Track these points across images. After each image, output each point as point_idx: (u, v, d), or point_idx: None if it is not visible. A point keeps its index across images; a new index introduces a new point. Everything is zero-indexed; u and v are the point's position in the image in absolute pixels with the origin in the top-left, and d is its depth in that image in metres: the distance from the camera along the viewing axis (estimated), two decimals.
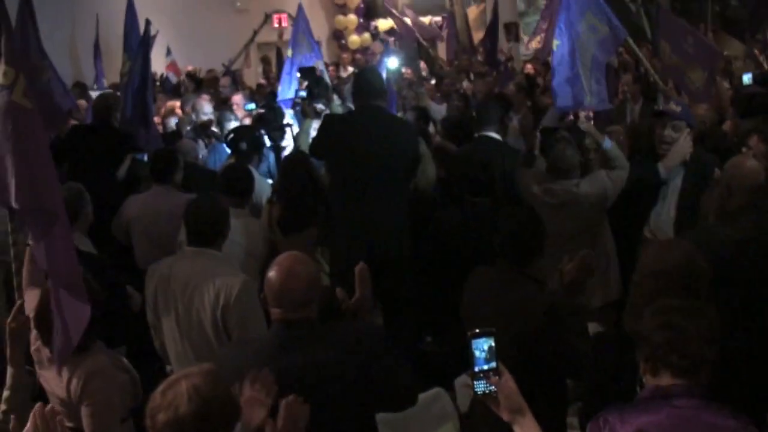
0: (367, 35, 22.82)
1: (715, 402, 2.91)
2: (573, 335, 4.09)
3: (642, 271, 3.81)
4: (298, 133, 8.32)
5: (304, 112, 8.46)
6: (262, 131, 8.48)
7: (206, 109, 9.86)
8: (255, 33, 19.57)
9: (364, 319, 4.02)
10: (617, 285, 6.36)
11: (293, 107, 9.51)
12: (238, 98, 11.47)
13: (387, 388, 3.64)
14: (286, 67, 11.62)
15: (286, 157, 7.63)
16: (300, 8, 12.10)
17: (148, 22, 8.36)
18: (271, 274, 3.61)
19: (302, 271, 3.60)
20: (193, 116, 9.94)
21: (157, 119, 10.32)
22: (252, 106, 10.01)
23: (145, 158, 8.38)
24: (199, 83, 15.65)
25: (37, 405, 3.07)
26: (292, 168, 6.75)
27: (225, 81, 15.59)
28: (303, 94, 8.48)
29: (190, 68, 17.54)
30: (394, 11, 18.76)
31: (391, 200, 6.26)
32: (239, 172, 6.49)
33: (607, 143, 6.53)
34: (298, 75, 9.33)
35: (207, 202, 5.03)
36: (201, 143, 9.15)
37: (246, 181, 6.37)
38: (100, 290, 4.23)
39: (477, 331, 2.88)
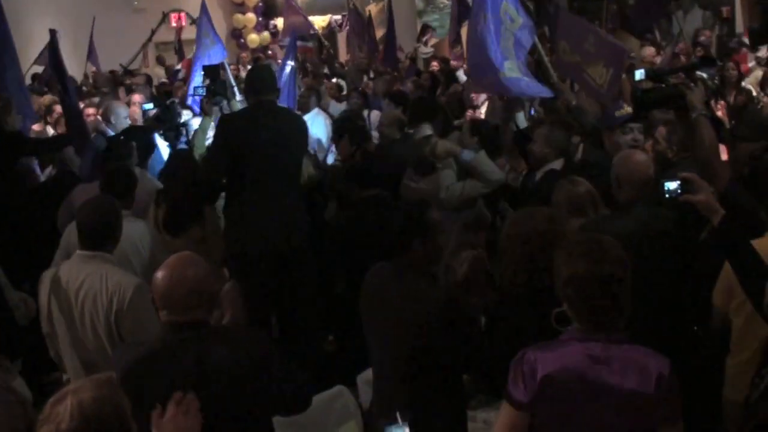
0: (266, 34, 22.70)
1: (630, 345, 3.24)
2: (466, 330, 4.14)
3: (509, 234, 4.14)
4: (195, 132, 8.25)
5: (203, 111, 8.40)
6: (158, 131, 8.40)
7: (122, 112, 9.68)
8: (153, 32, 19.35)
9: None
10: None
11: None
12: (138, 97, 11.35)
13: (277, 391, 3.63)
14: (194, 68, 11.60)
15: (170, 156, 7.53)
16: (203, 6, 12.05)
17: (53, 32, 8.16)
18: (158, 275, 3.57)
19: (190, 273, 3.55)
20: (112, 119, 9.76)
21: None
22: (149, 105, 9.86)
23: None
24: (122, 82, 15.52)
25: None
26: (174, 168, 6.65)
27: (140, 79, 15.43)
28: (202, 91, 8.43)
29: (93, 69, 17.27)
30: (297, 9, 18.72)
31: (288, 192, 6.36)
32: (119, 172, 6.14)
33: (466, 155, 6.42)
34: (202, 73, 9.27)
35: (97, 204, 4.92)
36: None
37: (126, 181, 6.02)
38: None
39: (396, 417, 2.87)
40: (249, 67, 17.12)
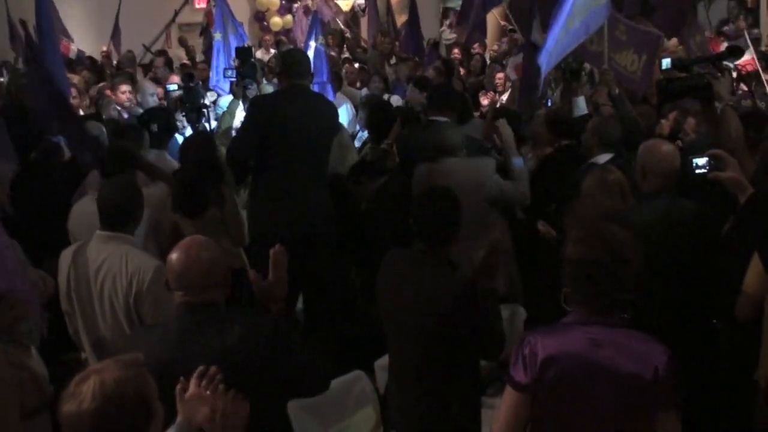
0: (289, 17, 22.58)
1: (629, 330, 3.29)
2: (488, 316, 4.14)
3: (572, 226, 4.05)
4: (223, 114, 8.28)
5: (233, 93, 8.44)
6: (182, 113, 8.45)
7: (151, 89, 9.73)
8: (176, 13, 19.33)
9: (277, 303, 4.00)
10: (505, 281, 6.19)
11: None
12: (177, 79, 11.42)
13: (292, 373, 3.63)
14: (215, 53, 11.62)
15: (186, 138, 7.53)
16: None
17: (23, 22, 8.19)
18: (173, 257, 3.60)
19: (204, 254, 3.58)
20: (138, 98, 9.79)
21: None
22: (174, 86, 9.91)
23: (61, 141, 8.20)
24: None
25: None
26: (189, 150, 6.64)
27: (159, 61, 15.49)
28: (231, 74, 8.47)
29: (104, 48, 17.30)
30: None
31: (316, 176, 6.39)
32: (118, 152, 6.21)
33: (518, 162, 6.39)
34: (233, 56, 9.32)
35: (117, 184, 4.93)
36: None
37: (123, 161, 6.04)
38: None
39: None
40: (272, 50, 17.16)
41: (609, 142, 6.25)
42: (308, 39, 11.94)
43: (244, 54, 8.55)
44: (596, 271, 3.23)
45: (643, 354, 3.22)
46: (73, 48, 16.23)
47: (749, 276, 4.35)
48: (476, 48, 15.63)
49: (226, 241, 5.77)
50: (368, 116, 7.95)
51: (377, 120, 7.63)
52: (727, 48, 9.33)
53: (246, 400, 3.20)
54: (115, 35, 17.08)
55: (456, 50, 15.36)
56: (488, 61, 14.42)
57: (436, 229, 4.30)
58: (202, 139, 6.99)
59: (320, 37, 11.66)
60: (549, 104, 9.09)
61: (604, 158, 6.13)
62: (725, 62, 8.10)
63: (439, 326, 4.07)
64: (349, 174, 6.81)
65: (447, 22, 18.01)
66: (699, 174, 4.10)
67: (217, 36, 11.96)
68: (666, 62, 6.74)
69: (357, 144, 8.99)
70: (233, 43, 11.49)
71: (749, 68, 9.48)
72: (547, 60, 7.83)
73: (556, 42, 7.74)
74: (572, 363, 3.22)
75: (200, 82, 10.29)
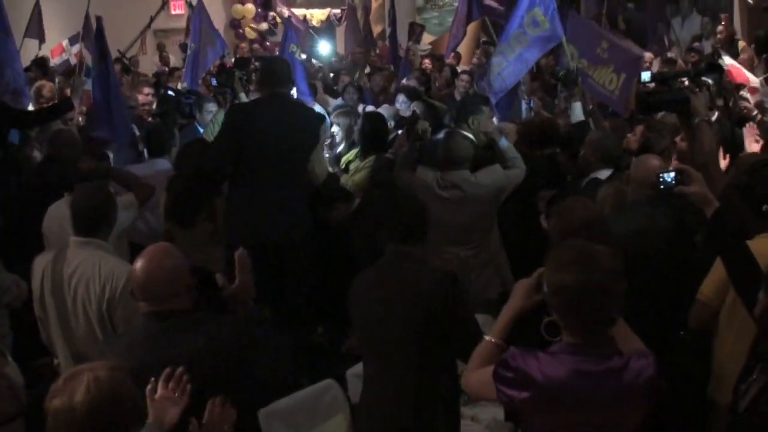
0: (264, 25, 22.62)
1: (617, 358, 3.15)
2: (469, 312, 4.21)
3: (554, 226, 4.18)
4: (207, 124, 8.32)
5: (217, 102, 8.47)
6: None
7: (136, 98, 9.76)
8: (152, 19, 19.27)
9: (245, 305, 4.01)
10: (508, 277, 6.37)
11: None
12: (147, 90, 11.40)
13: (262, 376, 3.64)
14: (188, 63, 11.61)
15: (183, 146, 7.57)
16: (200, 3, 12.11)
17: (99, 19, 8.32)
18: (136, 266, 3.60)
19: (167, 263, 3.59)
20: None
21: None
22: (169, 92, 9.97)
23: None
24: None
25: None
26: (185, 158, 6.64)
27: (117, 68, 15.44)
28: (215, 82, 8.53)
29: (75, 53, 17.21)
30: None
31: (293, 186, 6.34)
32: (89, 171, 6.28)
33: (504, 142, 6.54)
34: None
35: (89, 189, 4.92)
36: None
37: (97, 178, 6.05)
38: None
39: None
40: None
41: (609, 157, 6.30)
42: (284, 47, 11.91)
43: (242, 64, 8.64)
44: (591, 298, 3.05)
45: (633, 382, 3.10)
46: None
47: (707, 284, 4.38)
48: (451, 59, 15.70)
49: (218, 250, 5.80)
50: (363, 125, 7.94)
51: (371, 130, 7.63)
52: (707, 63, 9.41)
53: (232, 406, 3.22)
54: (86, 38, 16.94)
55: (426, 60, 15.41)
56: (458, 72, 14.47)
57: (411, 228, 4.32)
58: (198, 147, 6.97)
59: (292, 45, 11.59)
60: (531, 105, 9.13)
61: (605, 174, 6.19)
62: (704, 77, 8.16)
63: (423, 321, 4.08)
64: (320, 200, 6.72)
65: (414, 37, 18.03)
66: (665, 188, 4.15)
67: (193, 46, 11.92)
68: (646, 75, 6.80)
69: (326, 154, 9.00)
70: (210, 55, 11.50)
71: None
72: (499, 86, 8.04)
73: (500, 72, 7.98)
74: (559, 394, 3.08)
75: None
